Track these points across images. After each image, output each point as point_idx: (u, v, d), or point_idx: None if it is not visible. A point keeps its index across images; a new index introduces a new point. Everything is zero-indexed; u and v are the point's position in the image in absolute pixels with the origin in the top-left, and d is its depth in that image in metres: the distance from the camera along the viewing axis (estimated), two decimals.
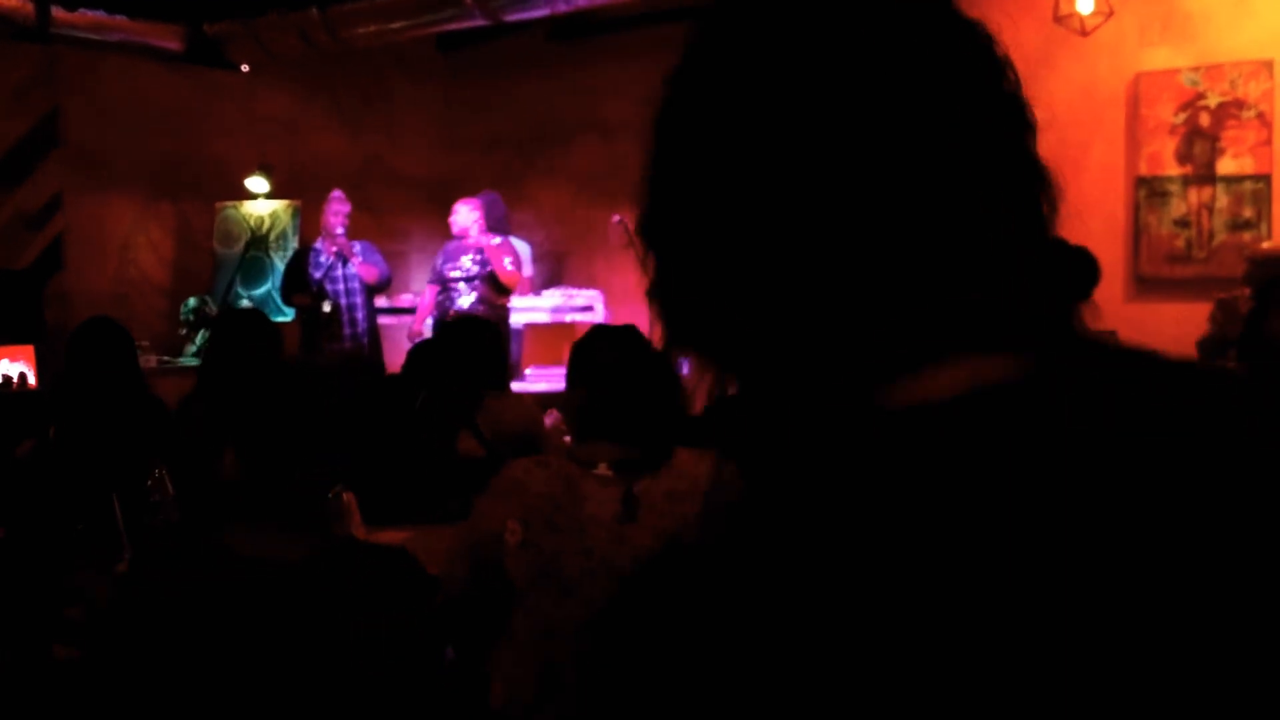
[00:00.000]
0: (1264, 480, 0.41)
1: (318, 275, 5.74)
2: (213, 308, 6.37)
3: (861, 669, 0.42)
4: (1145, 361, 0.48)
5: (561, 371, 6.56)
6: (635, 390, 1.91)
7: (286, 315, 6.28)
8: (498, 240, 5.84)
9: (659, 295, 0.52)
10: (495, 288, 5.79)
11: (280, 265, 6.72)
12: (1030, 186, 0.49)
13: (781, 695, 0.44)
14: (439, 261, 5.92)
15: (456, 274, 5.77)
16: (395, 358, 5.59)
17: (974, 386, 0.45)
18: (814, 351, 0.47)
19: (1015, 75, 0.50)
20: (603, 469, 1.85)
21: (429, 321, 5.92)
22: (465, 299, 5.73)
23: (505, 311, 5.97)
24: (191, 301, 6.40)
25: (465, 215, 5.81)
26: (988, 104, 0.49)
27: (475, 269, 5.74)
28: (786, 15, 0.49)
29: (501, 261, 5.74)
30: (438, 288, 5.90)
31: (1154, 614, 0.40)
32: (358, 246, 5.91)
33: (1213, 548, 0.40)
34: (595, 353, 1.97)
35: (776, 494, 0.47)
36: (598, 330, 2.05)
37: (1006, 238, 0.48)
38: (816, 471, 0.47)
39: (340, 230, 5.77)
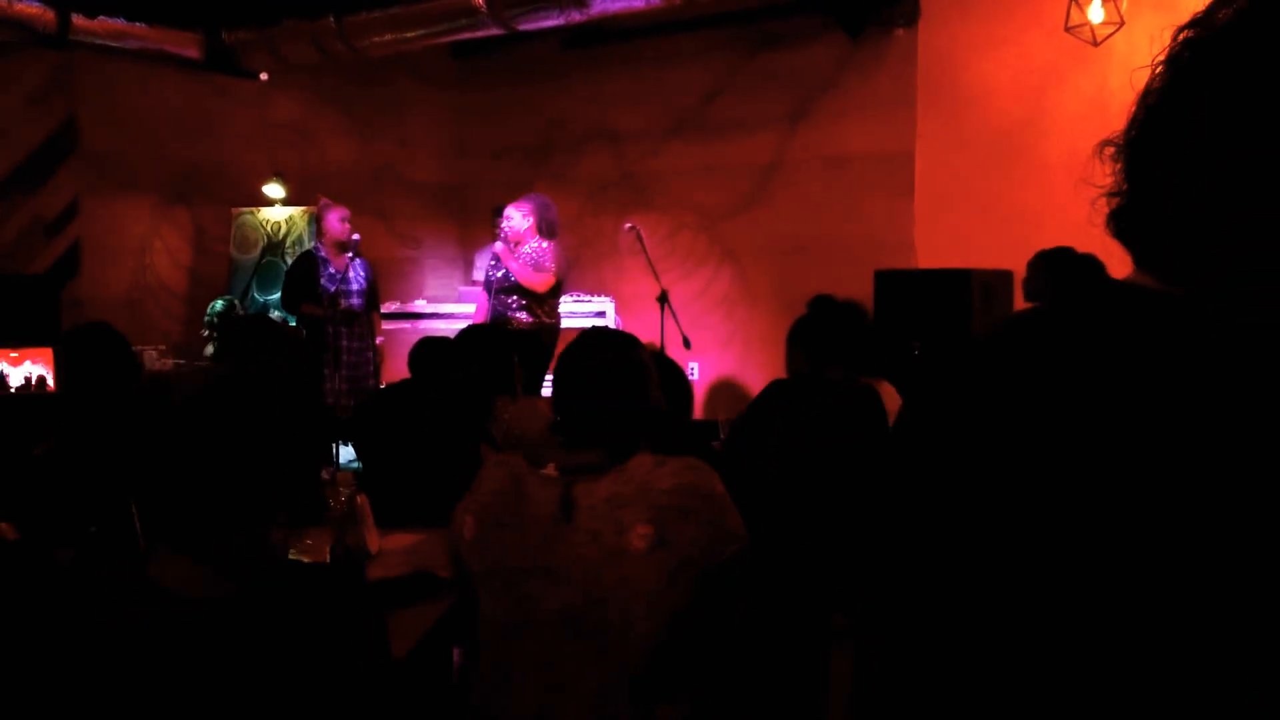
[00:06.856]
0: None
1: (331, 288, 5.72)
2: (243, 310, 6.34)
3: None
4: None
5: None
6: (597, 394, 1.85)
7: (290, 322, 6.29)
8: (528, 248, 5.74)
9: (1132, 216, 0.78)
10: (534, 298, 5.73)
11: None
12: None
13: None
14: (489, 270, 5.83)
15: (502, 288, 5.72)
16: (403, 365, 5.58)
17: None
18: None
19: None
20: (550, 469, 1.81)
21: None
22: (519, 311, 5.70)
23: (555, 318, 5.85)
24: (219, 304, 6.30)
25: (519, 221, 5.72)
26: None
27: (514, 281, 5.68)
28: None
29: (527, 276, 5.68)
30: (489, 295, 5.81)
31: None
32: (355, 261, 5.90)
33: None
34: (566, 356, 1.92)
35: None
36: (582, 334, 1.98)
37: None
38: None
39: (342, 238, 5.81)
